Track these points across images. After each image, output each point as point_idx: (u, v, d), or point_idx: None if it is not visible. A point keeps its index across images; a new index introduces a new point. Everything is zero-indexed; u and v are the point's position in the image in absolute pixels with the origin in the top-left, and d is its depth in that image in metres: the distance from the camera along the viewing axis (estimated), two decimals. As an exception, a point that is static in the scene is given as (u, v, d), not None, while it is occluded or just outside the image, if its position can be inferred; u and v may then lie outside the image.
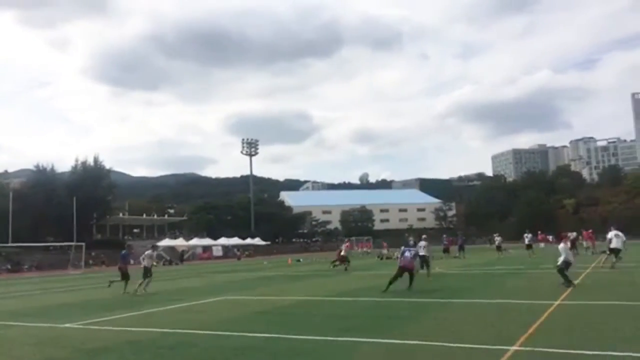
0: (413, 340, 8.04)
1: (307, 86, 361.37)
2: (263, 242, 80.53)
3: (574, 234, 35.75)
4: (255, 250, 75.17)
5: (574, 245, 34.22)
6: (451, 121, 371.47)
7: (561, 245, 15.57)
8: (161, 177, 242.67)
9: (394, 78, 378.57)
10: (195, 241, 72.60)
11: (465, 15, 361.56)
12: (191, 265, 50.00)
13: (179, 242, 69.80)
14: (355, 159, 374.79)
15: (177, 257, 60.70)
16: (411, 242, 17.71)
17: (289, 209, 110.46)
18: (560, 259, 14.90)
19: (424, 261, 19.87)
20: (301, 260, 48.23)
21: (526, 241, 35.99)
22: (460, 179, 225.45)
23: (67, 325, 11.30)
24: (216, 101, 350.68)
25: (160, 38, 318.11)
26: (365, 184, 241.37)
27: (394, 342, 8.04)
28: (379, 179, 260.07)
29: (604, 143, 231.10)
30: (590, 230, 37.76)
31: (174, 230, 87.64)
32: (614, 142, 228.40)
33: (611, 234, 19.86)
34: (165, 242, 68.29)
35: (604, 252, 34.39)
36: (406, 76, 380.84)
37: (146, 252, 19.33)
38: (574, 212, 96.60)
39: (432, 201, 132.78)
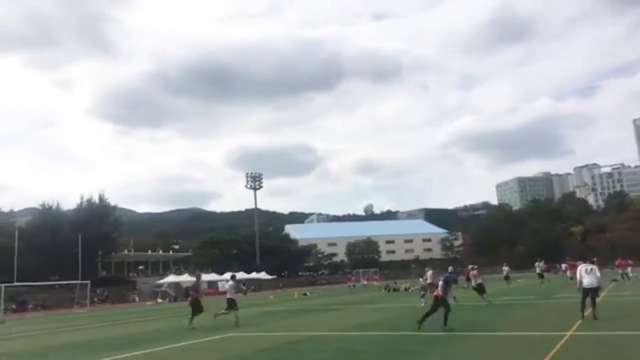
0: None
1: (309, 119, 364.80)
2: (269, 276, 79.88)
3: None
4: (261, 284, 74.51)
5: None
6: (454, 151, 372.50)
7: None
8: (166, 212, 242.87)
9: (395, 109, 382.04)
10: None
11: (463, 46, 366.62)
12: (196, 302, 49.42)
13: (184, 278, 69.28)
14: (359, 190, 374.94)
15: (182, 293, 60.17)
16: (450, 270, 17.14)
17: (294, 242, 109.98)
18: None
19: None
20: (308, 294, 47.72)
21: (537, 270, 35.58)
22: (465, 208, 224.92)
23: None
24: (219, 136, 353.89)
25: (163, 76, 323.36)
26: (370, 215, 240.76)
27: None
28: (384, 210, 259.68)
29: (608, 169, 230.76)
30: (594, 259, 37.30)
31: (179, 265, 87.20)
32: (618, 168, 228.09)
33: None
34: (170, 278, 67.86)
35: (614, 280, 34.12)
36: (407, 107, 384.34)
37: (229, 284, 20.22)
38: (582, 240, 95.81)
39: (438, 231, 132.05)
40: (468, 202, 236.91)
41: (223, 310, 19.22)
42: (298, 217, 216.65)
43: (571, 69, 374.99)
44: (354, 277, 65.58)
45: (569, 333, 11.46)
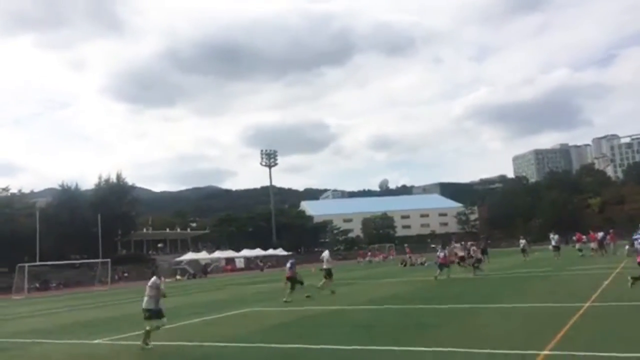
0: (440, 348, 7.98)
1: (322, 95, 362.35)
2: (285, 253, 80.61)
3: (602, 233, 35.12)
4: (277, 261, 75.33)
5: (601, 245, 33.65)
6: (469, 124, 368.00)
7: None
8: (182, 191, 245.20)
9: (409, 83, 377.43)
10: (217, 254, 73.06)
11: (477, 16, 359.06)
12: (215, 278, 50.30)
13: (202, 255, 70.32)
14: (373, 165, 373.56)
15: (200, 270, 61.12)
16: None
17: (310, 218, 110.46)
18: None
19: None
20: (314, 270, 48.03)
21: (553, 243, 35.32)
22: (481, 182, 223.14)
23: (97, 341, 11.48)
24: (232, 114, 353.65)
25: (175, 54, 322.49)
26: (385, 191, 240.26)
27: (421, 349, 8.00)
28: (399, 185, 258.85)
29: (627, 140, 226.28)
30: (611, 231, 37.02)
31: (196, 243, 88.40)
32: (638, 138, 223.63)
33: None
34: (189, 255, 68.86)
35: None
36: (421, 80, 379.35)
37: (325, 253, 21.22)
38: (599, 212, 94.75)
39: (454, 206, 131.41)
40: (484, 176, 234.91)
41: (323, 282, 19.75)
42: (313, 194, 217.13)
43: (589, 38, 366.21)
44: (370, 253, 65.95)
45: (586, 304, 11.45)
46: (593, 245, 34.92)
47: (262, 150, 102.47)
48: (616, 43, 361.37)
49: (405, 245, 61.40)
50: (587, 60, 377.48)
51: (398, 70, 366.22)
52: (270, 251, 78.54)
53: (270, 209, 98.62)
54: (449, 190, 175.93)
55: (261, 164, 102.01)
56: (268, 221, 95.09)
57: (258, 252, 76.10)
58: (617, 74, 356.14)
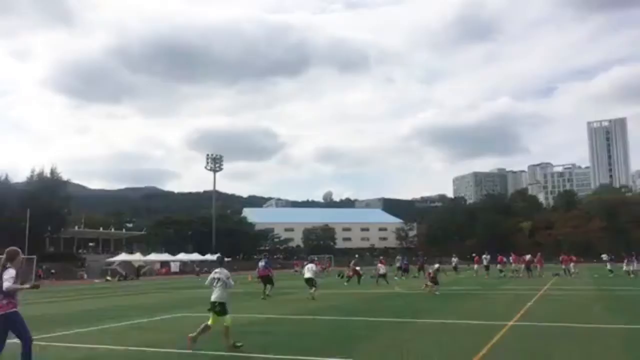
0: (367, 360, 8.05)
1: (273, 104, 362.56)
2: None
3: (529, 256, 36.82)
4: (215, 266, 73.90)
5: (528, 267, 35.26)
6: (415, 143, 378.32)
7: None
8: (121, 190, 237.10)
9: (360, 99, 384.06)
10: (152, 256, 70.93)
11: (429, 41, 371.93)
12: (148, 281, 48.71)
13: (136, 257, 68.01)
14: (319, 177, 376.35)
15: (133, 272, 59.06)
16: (398, 259, 18.34)
17: (252, 225, 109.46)
18: None
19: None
20: (251, 278, 47.54)
21: (484, 262, 36.72)
22: (422, 199, 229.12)
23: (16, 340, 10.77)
24: (180, 116, 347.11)
25: (124, 52, 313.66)
26: (329, 203, 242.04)
27: (348, 361, 8.03)
28: (343, 198, 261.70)
29: (560, 169, 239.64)
30: (539, 254, 39.06)
31: (131, 244, 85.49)
32: (569, 168, 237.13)
33: None
34: (122, 256, 66.47)
35: (556, 274, 35.61)
36: (372, 98, 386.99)
37: (309, 265, 22.28)
38: (530, 235, 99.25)
39: (394, 221, 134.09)
40: (425, 194, 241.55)
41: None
42: (257, 201, 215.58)
43: (531, 70, 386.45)
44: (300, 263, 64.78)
45: (510, 323, 11.90)
46: (514, 266, 36.77)
47: (207, 155, 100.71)
48: (556, 77, 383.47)
49: (356, 256, 61.28)
50: (528, 91, 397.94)
51: (350, 86, 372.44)
52: (208, 256, 77.05)
53: (212, 213, 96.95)
54: (391, 205, 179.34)
55: (206, 167, 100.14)
56: (208, 226, 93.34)
57: (195, 256, 74.57)
58: (555, 106, 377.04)
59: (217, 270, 9.60)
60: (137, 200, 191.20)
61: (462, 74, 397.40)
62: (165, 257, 72.63)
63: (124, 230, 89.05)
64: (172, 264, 70.85)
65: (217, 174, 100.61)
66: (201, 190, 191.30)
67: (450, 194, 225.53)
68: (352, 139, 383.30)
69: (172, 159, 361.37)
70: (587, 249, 78.21)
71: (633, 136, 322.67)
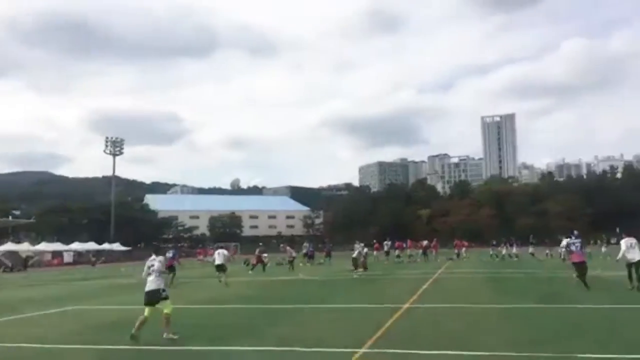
0: (265, 347, 8.08)
1: (179, 87, 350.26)
2: (123, 248, 75.82)
3: (426, 242, 38.93)
4: (113, 256, 70.43)
5: (425, 252, 37.30)
6: (323, 132, 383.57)
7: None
8: (9, 174, 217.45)
9: (269, 86, 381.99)
10: (43, 246, 65.98)
11: (340, 31, 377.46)
12: (37, 273, 45.28)
13: (24, 247, 62.87)
14: (227, 164, 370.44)
15: (20, 263, 54.58)
16: (576, 233, 16.54)
17: (154, 213, 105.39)
18: None
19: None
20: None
21: (385, 248, 38.29)
22: (329, 188, 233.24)
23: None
24: (77, 95, 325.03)
25: (12, 23, 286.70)
26: (236, 190, 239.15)
27: (245, 349, 8.00)
28: (251, 185, 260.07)
29: (456, 160, 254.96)
30: (435, 240, 41.70)
31: (18, 233, 78.91)
32: (464, 159, 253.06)
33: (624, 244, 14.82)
34: (7, 246, 61.09)
35: (450, 258, 38.01)
36: (281, 85, 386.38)
37: (219, 251, 22.40)
38: (427, 222, 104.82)
39: (302, 209, 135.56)
40: (332, 182, 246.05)
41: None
42: (161, 188, 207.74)
43: (435, 64, 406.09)
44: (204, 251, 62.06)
45: (405, 305, 12.49)
46: (409, 252, 38.92)
47: (107, 138, 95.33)
48: (456, 72, 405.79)
49: (260, 244, 60.53)
50: (430, 85, 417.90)
51: (259, 72, 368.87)
52: (106, 245, 73.31)
53: (111, 200, 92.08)
54: (299, 193, 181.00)
55: (105, 151, 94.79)
56: (107, 213, 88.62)
57: (91, 245, 70.48)
58: (453, 100, 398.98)
59: (152, 258, 9.21)
60: (27, 186, 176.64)
61: (370, 65, 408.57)
62: (56, 246, 67.86)
63: (10, 218, 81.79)
64: (65, 254, 66.41)
65: (118, 158, 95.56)
66: (99, 175, 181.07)
67: (356, 182, 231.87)
68: (261, 125, 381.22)
69: (67, 141, 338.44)
70: (478, 235, 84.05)
71: (521, 131, 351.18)
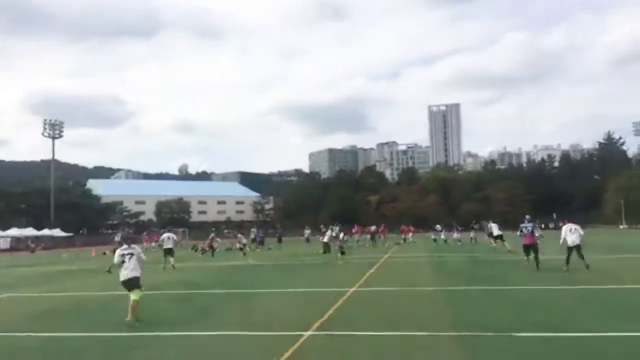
0: (216, 332, 8.06)
1: (121, 68, 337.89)
2: (64, 234, 73.04)
3: (374, 227, 39.63)
4: (54, 242, 67.76)
5: (372, 237, 37.97)
6: (273, 118, 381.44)
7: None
8: None
9: (217, 70, 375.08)
10: (-24, 232, 62.71)
11: (288, 17, 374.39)
12: (-30, 260, 42.95)
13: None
14: (174, 149, 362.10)
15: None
16: (528, 218, 17.69)
17: (97, 198, 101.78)
18: None
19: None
20: (107, 252, 44.74)
21: (333, 234, 38.70)
22: (279, 174, 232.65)
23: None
24: (14, 75, 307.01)
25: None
26: (184, 175, 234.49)
27: (196, 334, 7.95)
28: (199, 171, 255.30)
29: (404, 147, 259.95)
30: (383, 225, 42.68)
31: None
32: (412, 147, 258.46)
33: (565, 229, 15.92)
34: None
35: (397, 243, 38.91)
36: (229, 70, 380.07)
37: (168, 235, 22.45)
38: (376, 208, 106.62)
39: (251, 195, 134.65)
40: (282, 168, 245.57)
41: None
42: (104, 173, 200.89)
43: (383, 53, 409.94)
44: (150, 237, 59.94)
45: (352, 289, 12.74)
46: (357, 237, 39.64)
47: (45, 120, 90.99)
48: (404, 61, 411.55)
49: (213, 229, 59.18)
50: (379, 73, 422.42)
51: (207, 55, 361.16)
52: (46, 231, 70.38)
53: (50, 185, 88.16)
54: (249, 179, 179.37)
55: (43, 134, 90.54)
56: (46, 198, 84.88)
57: (30, 231, 67.52)
58: (402, 89, 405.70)
59: (125, 247, 9.56)
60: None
61: (319, 52, 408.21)
62: (-9, 233, 64.63)
63: (-61, 203, 77.04)
64: (1, 240, 63.37)
65: (57, 141, 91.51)
66: (37, 159, 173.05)
67: (306, 168, 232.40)
68: (209, 110, 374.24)
69: (3, 123, 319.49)
70: (424, 220, 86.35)
71: (466, 120, 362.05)
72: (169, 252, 21.51)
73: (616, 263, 18.43)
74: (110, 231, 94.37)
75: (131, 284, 9.23)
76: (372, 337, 7.38)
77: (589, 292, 11.53)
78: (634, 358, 5.73)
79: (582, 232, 15.55)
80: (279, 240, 39.29)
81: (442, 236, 40.56)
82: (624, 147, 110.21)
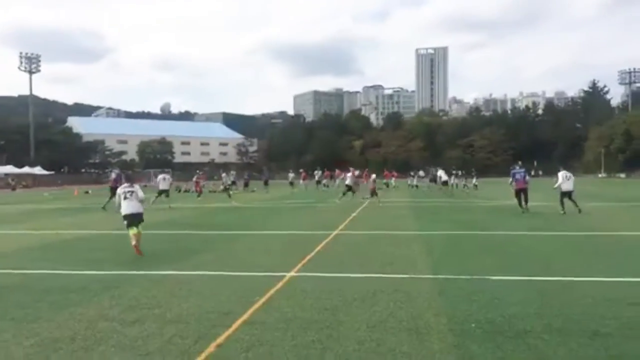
0: (197, 271, 8.21)
1: (100, 1, 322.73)
2: (45, 172, 72.35)
3: (358, 172, 39.87)
4: (35, 180, 67.19)
5: (357, 182, 38.27)
6: (257, 57, 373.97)
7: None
8: None
9: (200, 6, 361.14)
10: (-45, 169, 61.76)
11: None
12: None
13: None
14: (156, 87, 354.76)
15: None
16: (519, 164, 19.15)
17: (79, 136, 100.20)
18: None
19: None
20: (90, 191, 44.65)
21: (316, 177, 39.00)
22: (263, 116, 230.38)
23: None
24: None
25: None
26: (167, 115, 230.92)
27: (184, 273, 8.09)
28: (182, 111, 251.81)
29: (389, 91, 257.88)
30: (366, 170, 43.02)
31: None
32: (398, 91, 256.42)
33: (562, 175, 17.32)
34: None
35: (379, 188, 39.30)
36: (213, 6, 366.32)
37: (165, 176, 23.79)
38: (361, 153, 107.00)
39: (235, 136, 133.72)
40: (266, 110, 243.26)
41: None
42: (84, 110, 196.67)
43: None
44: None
45: (334, 232, 12.97)
46: (338, 182, 40.09)
47: (21, 53, 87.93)
48: (393, 1, 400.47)
49: (197, 171, 59.18)
50: (366, 14, 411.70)
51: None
52: (27, 169, 69.62)
53: (29, 121, 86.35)
54: (232, 120, 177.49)
55: (20, 68, 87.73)
56: (25, 135, 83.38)
57: (10, 169, 66.73)
58: (388, 31, 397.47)
59: (126, 185, 10.31)
60: None
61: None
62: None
63: None
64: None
65: (35, 76, 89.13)
66: (15, 94, 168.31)
67: (291, 111, 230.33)
68: (192, 48, 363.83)
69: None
70: (408, 166, 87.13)
71: (453, 65, 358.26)
72: (163, 192, 22.41)
73: (595, 211, 18.95)
74: (93, 170, 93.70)
75: (134, 218, 9.93)
76: (350, 278, 7.58)
77: (569, 238, 11.89)
78: (612, 303, 5.99)
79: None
80: (266, 183, 39.38)
81: (414, 181, 41.91)
82: (608, 96, 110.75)
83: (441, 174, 30.42)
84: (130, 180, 10.54)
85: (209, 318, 5.62)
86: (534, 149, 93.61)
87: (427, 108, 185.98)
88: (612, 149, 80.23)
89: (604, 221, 15.35)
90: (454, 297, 6.35)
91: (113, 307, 6.16)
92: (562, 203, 16.96)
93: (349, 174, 25.85)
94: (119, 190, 10.23)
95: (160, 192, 22.52)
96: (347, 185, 25.33)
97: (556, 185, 17.41)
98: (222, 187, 32.52)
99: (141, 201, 10.19)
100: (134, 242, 9.79)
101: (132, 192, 10.10)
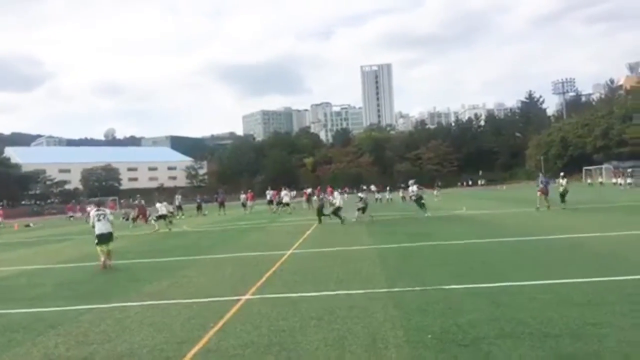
0: (149, 301, 7.92)
1: (36, 25, 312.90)
2: (-19, 206, 68.43)
3: (310, 189, 40.01)
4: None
5: (308, 199, 38.34)
6: (203, 79, 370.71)
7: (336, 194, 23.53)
8: None
9: (142, 29, 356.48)
10: None
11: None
12: None
13: None
14: (99, 113, 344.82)
15: None
16: (542, 173, 22.23)
17: (17, 167, 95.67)
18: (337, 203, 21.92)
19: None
20: (32, 224, 42.60)
21: (268, 197, 38.87)
22: (212, 137, 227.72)
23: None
24: None
25: None
26: (111, 141, 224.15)
27: (130, 304, 7.79)
28: (127, 136, 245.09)
29: (337, 109, 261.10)
30: (318, 187, 43.23)
31: None
32: (345, 108, 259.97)
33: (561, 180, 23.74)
34: None
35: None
36: (155, 28, 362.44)
37: (158, 205, 25.58)
38: (312, 170, 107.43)
39: (184, 159, 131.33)
40: (215, 132, 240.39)
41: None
42: (23, 139, 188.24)
43: (313, 11, 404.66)
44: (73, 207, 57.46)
45: (289, 251, 12.90)
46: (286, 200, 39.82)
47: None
48: (334, 21, 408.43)
49: (138, 195, 57.54)
50: (310, 33, 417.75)
51: (131, 13, 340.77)
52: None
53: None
54: (180, 143, 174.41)
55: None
56: (-42, 169, 78.81)
57: (-58, 205, 62.67)
58: (333, 49, 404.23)
59: (97, 209, 12.93)
60: None
61: (247, 10, 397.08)
62: None
63: None
64: None
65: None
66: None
67: (240, 131, 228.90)
68: (135, 71, 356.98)
69: None
70: (358, 180, 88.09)
71: (397, 81, 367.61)
72: (162, 218, 24.89)
73: (534, 216, 19.72)
74: (33, 202, 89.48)
75: (106, 237, 12.07)
76: (306, 297, 7.53)
77: (522, 243, 12.30)
78: (559, 305, 6.22)
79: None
80: (222, 205, 38.70)
81: (376, 195, 41.92)
82: (544, 106, 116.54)
83: (414, 188, 27.51)
84: (99, 205, 14.12)
85: (163, 349, 5.44)
86: (478, 159, 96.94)
87: (375, 123, 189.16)
88: (550, 155, 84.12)
89: (542, 225, 16.00)
90: (409, 309, 6.41)
91: (59, 345, 5.86)
92: (562, 200, 22.59)
93: (336, 193, 24.96)
94: (92, 213, 12.62)
95: (158, 218, 24.71)
96: (337, 207, 22.73)
97: (562, 189, 22.80)
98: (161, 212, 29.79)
99: (111, 223, 12.38)
100: (102, 258, 11.67)
101: (104, 215, 12.41)
